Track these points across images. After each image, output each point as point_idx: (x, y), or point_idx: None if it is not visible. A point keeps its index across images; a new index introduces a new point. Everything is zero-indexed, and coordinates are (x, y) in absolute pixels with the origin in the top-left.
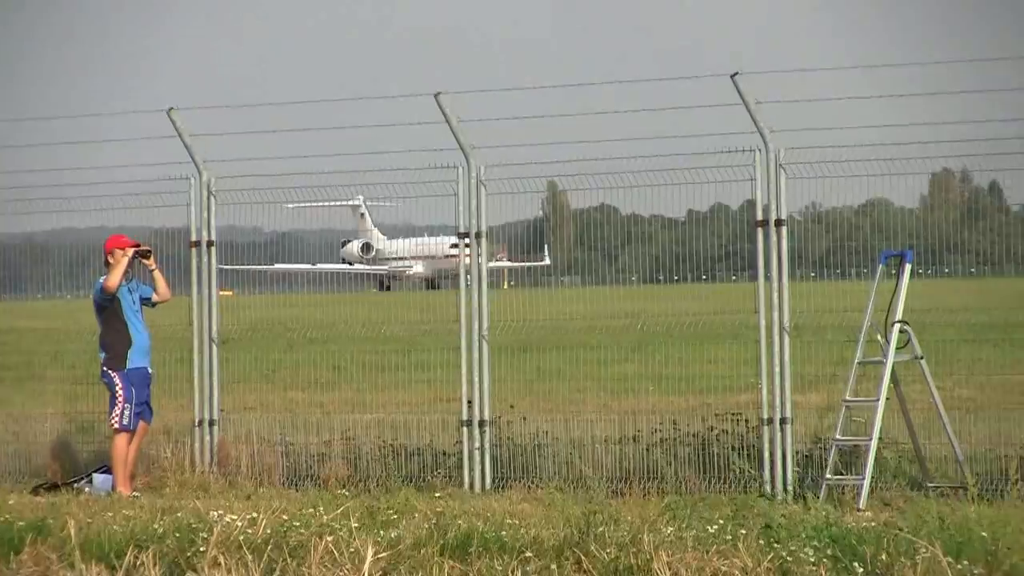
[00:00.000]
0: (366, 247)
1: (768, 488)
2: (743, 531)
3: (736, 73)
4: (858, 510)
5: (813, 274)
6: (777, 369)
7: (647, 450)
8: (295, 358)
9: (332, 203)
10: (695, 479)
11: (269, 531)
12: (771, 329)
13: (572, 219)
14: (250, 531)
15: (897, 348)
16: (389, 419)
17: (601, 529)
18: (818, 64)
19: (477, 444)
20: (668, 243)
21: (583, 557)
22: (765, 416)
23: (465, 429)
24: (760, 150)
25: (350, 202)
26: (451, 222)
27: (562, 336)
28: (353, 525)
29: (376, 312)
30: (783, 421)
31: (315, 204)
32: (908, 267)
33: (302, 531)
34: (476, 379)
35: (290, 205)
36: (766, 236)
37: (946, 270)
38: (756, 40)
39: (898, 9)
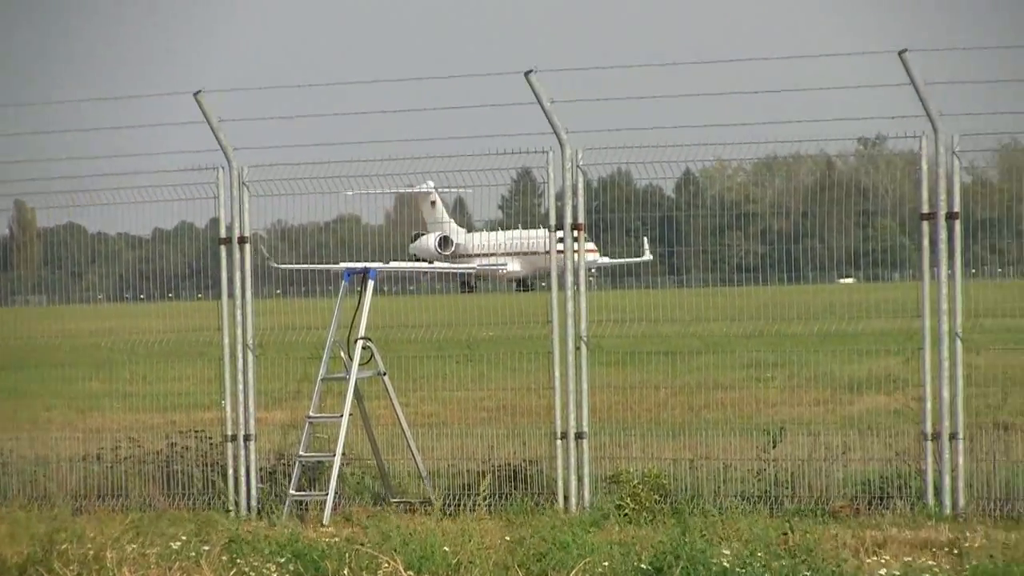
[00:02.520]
0: (444, 242)
1: (233, 504)
2: (206, 547)
3: (199, 91)
4: (322, 526)
5: (279, 291)
6: (241, 386)
7: (111, 467)
8: None
9: (397, 190)
10: (160, 496)
11: None
12: (235, 346)
13: (38, 238)
14: None
15: (361, 364)
16: None
17: (65, 546)
18: (286, 81)
19: None
20: (134, 261)
21: (47, 575)
22: (229, 433)
23: None
24: (223, 168)
25: (419, 188)
26: None
27: (27, 354)
28: None
29: None
30: (247, 438)
31: (378, 192)
32: (371, 284)
33: None
34: None
35: (349, 192)
36: (229, 254)
37: (411, 287)
38: (217, 57)
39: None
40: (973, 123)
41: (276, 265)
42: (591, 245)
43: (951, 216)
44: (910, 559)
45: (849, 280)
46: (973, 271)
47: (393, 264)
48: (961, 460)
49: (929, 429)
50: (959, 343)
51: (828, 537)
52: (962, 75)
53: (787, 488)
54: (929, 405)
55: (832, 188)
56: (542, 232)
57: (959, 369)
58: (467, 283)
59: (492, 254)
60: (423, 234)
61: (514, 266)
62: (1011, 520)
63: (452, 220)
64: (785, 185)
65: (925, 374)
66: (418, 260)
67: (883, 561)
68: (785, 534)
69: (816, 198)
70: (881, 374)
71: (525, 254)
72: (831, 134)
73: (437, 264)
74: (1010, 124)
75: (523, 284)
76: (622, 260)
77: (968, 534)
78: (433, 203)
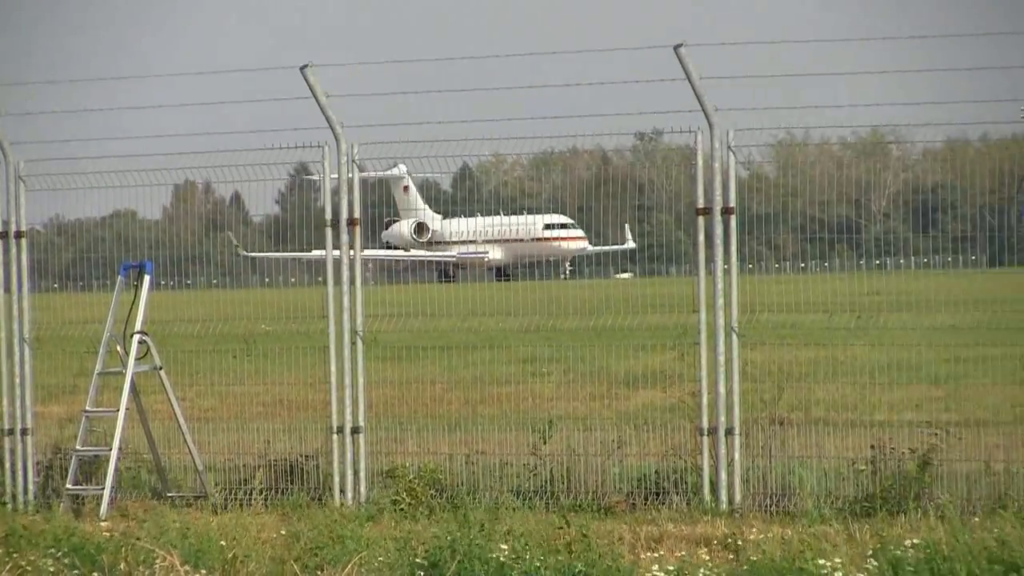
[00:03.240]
0: (420, 228)
1: (10, 498)
2: None
3: None
4: (99, 520)
5: (56, 286)
6: (18, 380)
7: None
8: None
9: (368, 174)
10: None
11: None
12: (12, 340)
13: None
14: None
15: (137, 359)
16: None
17: None
18: (64, 76)
19: None
20: None
21: None
22: (6, 427)
23: None
24: None
25: (390, 172)
26: None
27: None
28: None
29: None
30: (24, 432)
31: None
32: (148, 278)
33: None
34: None
35: (314, 176)
36: (6, 249)
37: (188, 282)
38: None
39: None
40: (749, 118)
41: (246, 254)
42: (579, 232)
43: (727, 211)
44: (686, 554)
45: (626, 275)
46: (749, 266)
47: (367, 252)
48: (737, 455)
49: (705, 424)
50: (735, 338)
51: (604, 532)
52: (738, 70)
53: (563, 483)
54: (705, 400)
55: (609, 183)
56: (526, 219)
57: (735, 364)
58: (446, 272)
59: (472, 241)
60: (396, 220)
61: (496, 254)
62: (786, 515)
63: (427, 207)
64: (562, 180)
65: (701, 369)
66: (391, 248)
67: (659, 556)
68: (560, 528)
69: (593, 193)
70: (657, 369)
71: (508, 241)
72: (608, 129)
73: (415, 252)
74: (785, 119)
75: (504, 273)
76: (606, 248)
77: (744, 529)
78: (406, 188)
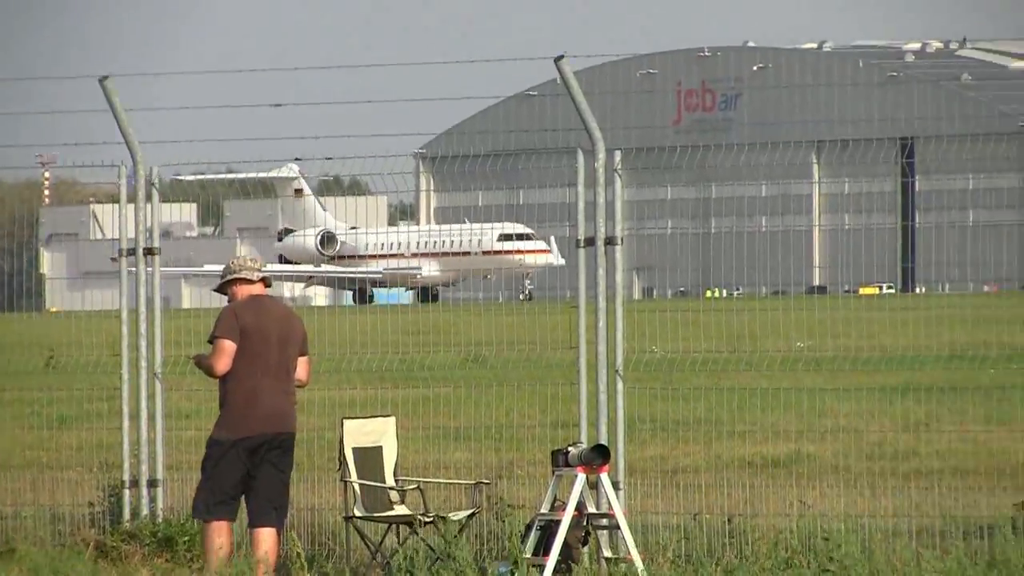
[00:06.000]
0: (327, 240)
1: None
2: None
3: None
4: None
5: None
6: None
7: None
8: None
9: (259, 175)
10: None
11: None
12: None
13: None
14: None
15: None
16: None
17: None
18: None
19: None
20: None
21: None
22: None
23: None
24: None
25: (279, 172)
26: None
27: None
28: None
29: None
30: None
31: (228, 176)
32: None
33: None
34: None
35: (188, 178)
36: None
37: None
38: None
39: None
40: None
41: (165, 269)
42: (544, 245)
43: None
44: None
45: None
46: None
47: (277, 267)
48: None
49: None
50: None
51: None
52: None
53: None
54: None
55: None
56: (471, 228)
57: None
58: (364, 292)
59: (397, 255)
60: (290, 231)
61: (431, 270)
62: None
63: (328, 212)
64: None
65: None
66: (287, 263)
67: None
68: None
69: None
70: None
71: (448, 255)
72: None
73: (330, 268)
74: None
75: (427, 293)
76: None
77: None
78: (299, 191)
